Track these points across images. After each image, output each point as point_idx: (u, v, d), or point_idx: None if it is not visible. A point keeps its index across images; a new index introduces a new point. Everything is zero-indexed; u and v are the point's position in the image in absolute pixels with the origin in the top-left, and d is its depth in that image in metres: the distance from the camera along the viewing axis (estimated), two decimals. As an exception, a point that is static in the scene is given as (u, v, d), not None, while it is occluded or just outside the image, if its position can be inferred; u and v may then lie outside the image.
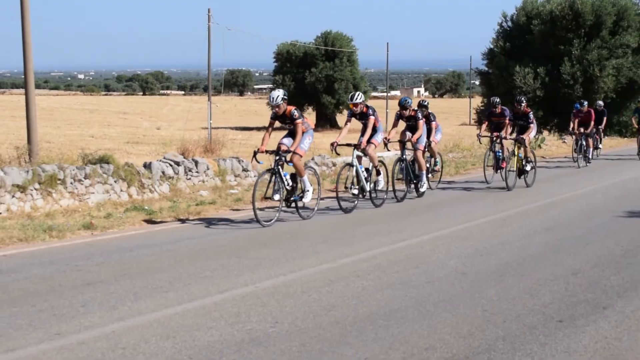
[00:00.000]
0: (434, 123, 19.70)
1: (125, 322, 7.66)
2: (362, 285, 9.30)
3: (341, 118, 69.26)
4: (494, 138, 20.52)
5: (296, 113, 14.47)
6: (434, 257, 11.03)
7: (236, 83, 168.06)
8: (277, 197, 14.20)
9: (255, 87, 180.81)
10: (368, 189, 16.21)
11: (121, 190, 16.66)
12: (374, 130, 16.28)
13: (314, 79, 74.05)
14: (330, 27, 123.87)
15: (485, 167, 20.65)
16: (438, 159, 20.43)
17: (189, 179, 18.44)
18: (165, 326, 7.50)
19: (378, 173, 16.57)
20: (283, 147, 14.35)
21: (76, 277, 9.68)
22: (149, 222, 14.06)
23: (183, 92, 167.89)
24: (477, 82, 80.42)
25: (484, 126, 21.73)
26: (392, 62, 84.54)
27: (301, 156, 14.60)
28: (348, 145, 15.99)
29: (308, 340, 7.12)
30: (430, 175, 19.65)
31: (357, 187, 15.99)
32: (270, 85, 68.95)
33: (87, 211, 14.88)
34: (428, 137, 19.04)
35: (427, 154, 19.53)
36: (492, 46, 49.66)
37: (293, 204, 14.75)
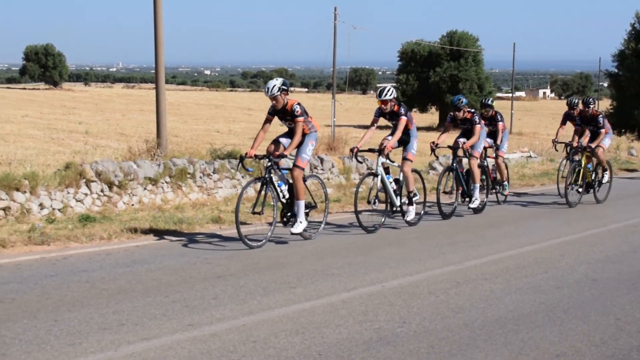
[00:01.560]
0: (500, 124, 16.98)
1: (255, 315, 7.77)
2: (489, 288, 9.20)
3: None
4: (574, 147, 17.39)
5: (298, 108, 11.90)
6: (562, 263, 10.82)
7: (359, 81, 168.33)
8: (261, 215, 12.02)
9: (378, 85, 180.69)
10: (398, 203, 13.81)
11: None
12: (407, 135, 13.84)
13: (438, 79, 73.58)
14: (456, 27, 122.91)
15: (560, 180, 18.06)
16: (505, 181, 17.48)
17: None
18: (294, 322, 7.59)
19: (410, 203, 13.87)
20: (275, 150, 12.03)
21: (207, 270, 9.89)
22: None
23: (306, 90, 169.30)
24: (606, 84, 78.38)
25: (562, 130, 18.76)
26: (518, 62, 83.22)
27: (302, 169, 12.04)
28: (371, 150, 13.79)
29: (436, 341, 7.08)
30: (496, 189, 17.26)
31: (386, 201, 13.73)
32: (393, 84, 68.83)
33: (215, 205, 15.17)
34: (494, 141, 16.83)
35: (491, 165, 17.09)
36: (623, 48, 48.37)
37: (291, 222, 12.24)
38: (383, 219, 13.50)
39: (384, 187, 13.58)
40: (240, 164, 12.01)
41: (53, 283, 8.98)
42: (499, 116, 16.90)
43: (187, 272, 9.80)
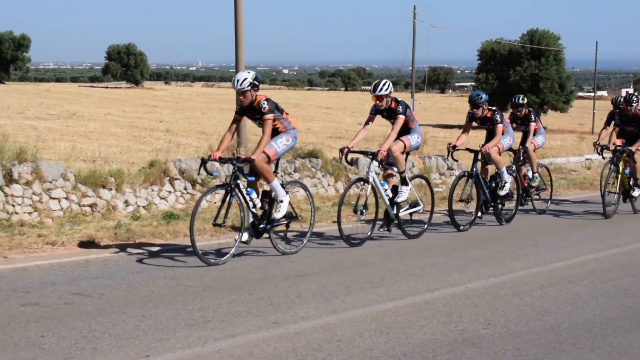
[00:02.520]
0: (533, 125, 15.49)
1: (339, 315, 7.79)
2: (575, 291, 9.06)
3: (546, 120, 67.60)
4: (617, 150, 15.63)
5: (266, 105, 10.41)
6: (650, 266, 10.61)
7: (437, 80, 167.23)
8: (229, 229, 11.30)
9: (457, 84, 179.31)
10: (395, 212, 12.33)
11: (328, 185, 16.98)
12: (407, 133, 12.40)
13: (518, 78, 72.62)
14: (537, 25, 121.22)
15: (604, 187, 15.59)
16: (537, 174, 15.89)
17: (395, 175, 18.50)
18: (378, 321, 7.58)
19: (404, 183, 12.44)
20: (242, 155, 10.58)
21: (289, 268, 9.96)
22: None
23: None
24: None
25: (605, 132, 16.52)
26: (600, 61, 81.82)
27: (269, 158, 10.60)
28: (363, 153, 12.57)
29: (522, 344, 7.01)
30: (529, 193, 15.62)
31: (392, 211, 12.37)
32: (472, 83, 68.21)
33: (295, 204, 15.22)
34: (524, 142, 15.47)
35: (525, 166, 15.67)
36: None
37: (266, 234, 10.85)
38: (369, 232, 11.96)
39: (376, 196, 12.14)
40: (202, 167, 10.43)
41: (139, 279, 9.15)
42: (532, 115, 15.44)
43: (271, 270, 9.88)
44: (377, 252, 11.20)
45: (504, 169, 14.05)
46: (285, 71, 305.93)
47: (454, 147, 13.58)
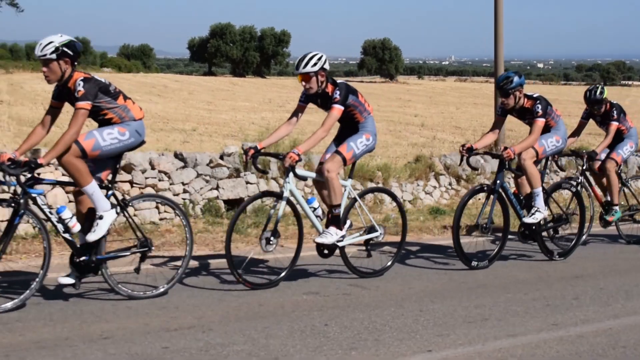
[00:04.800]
0: (615, 124, 11.54)
1: (620, 320, 7.52)
2: None
3: None
4: None
5: (82, 87, 7.37)
6: None
7: None
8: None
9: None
10: (332, 240, 8.63)
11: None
12: (356, 129, 8.93)
13: None
14: None
15: None
16: (616, 208, 11.76)
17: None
18: (664, 329, 7.25)
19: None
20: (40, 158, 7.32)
21: (563, 269, 9.77)
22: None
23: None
24: None
25: None
26: None
27: (81, 152, 7.44)
28: (274, 155, 8.84)
29: None
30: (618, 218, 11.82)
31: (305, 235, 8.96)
32: None
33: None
34: (612, 148, 11.73)
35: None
36: None
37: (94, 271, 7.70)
38: (284, 273, 8.61)
39: (297, 216, 8.80)
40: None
41: (413, 273, 9.27)
42: (614, 112, 11.61)
43: (543, 269, 9.71)
44: (654, 256, 10.73)
45: (539, 189, 10.04)
46: (540, 65, 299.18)
47: (470, 150, 9.80)
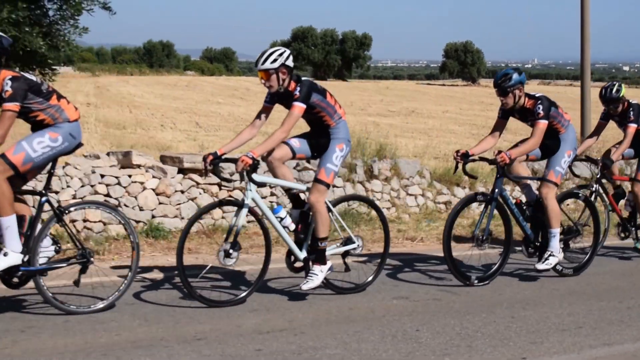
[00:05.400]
0: (632, 126, 10.59)
1: None
2: None
3: None
4: None
5: (9, 87, 6.72)
6: None
7: None
8: None
9: None
10: (301, 255, 8.00)
11: None
12: (327, 135, 8.06)
13: None
14: None
15: None
16: None
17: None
18: None
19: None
20: None
21: (658, 277, 9.55)
22: None
23: None
24: None
25: None
26: None
27: (12, 169, 6.78)
28: (233, 161, 7.62)
29: None
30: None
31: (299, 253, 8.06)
32: None
33: None
34: (638, 154, 10.97)
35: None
36: None
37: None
38: (245, 293, 7.79)
39: (262, 227, 7.94)
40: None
41: (504, 280, 9.13)
42: (631, 112, 10.60)
43: (636, 277, 9.51)
44: None
45: (556, 230, 9.12)
46: (626, 68, 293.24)
47: (465, 155, 8.85)
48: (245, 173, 7.52)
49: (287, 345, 6.45)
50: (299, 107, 7.68)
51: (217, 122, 35.40)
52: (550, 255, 9.08)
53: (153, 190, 10.82)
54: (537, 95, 9.00)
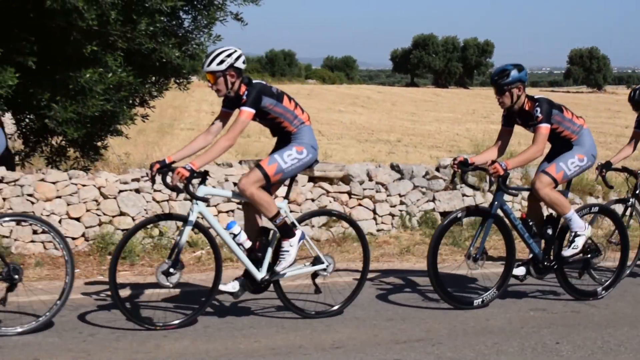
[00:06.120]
0: None
1: None
2: None
3: None
4: None
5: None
6: None
7: None
8: None
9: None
10: (259, 275, 7.24)
11: None
12: (287, 139, 7.41)
13: None
14: None
15: None
16: None
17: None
18: None
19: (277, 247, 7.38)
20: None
21: None
22: None
23: None
24: None
25: None
26: None
27: None
28: (166, 168, 7.02)
29: None
30: None
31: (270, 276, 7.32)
32: None
33: None
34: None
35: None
36: None
37: None
38: (191, 314, 7.19)
39: (212, 244, 7.27)
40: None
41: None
42: None
43: None
44: None
45: (570, 214, 8.13)
46: None
47: (463, 164, 7.94)
48: (183, 186, 6.83)
49: (425, 356, 6.42)
50: (246, 112, 7.00)
51: (339, 130, 35.57)
52: (575, 236, 8.15)
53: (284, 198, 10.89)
54: (536, 97, 8.05)
